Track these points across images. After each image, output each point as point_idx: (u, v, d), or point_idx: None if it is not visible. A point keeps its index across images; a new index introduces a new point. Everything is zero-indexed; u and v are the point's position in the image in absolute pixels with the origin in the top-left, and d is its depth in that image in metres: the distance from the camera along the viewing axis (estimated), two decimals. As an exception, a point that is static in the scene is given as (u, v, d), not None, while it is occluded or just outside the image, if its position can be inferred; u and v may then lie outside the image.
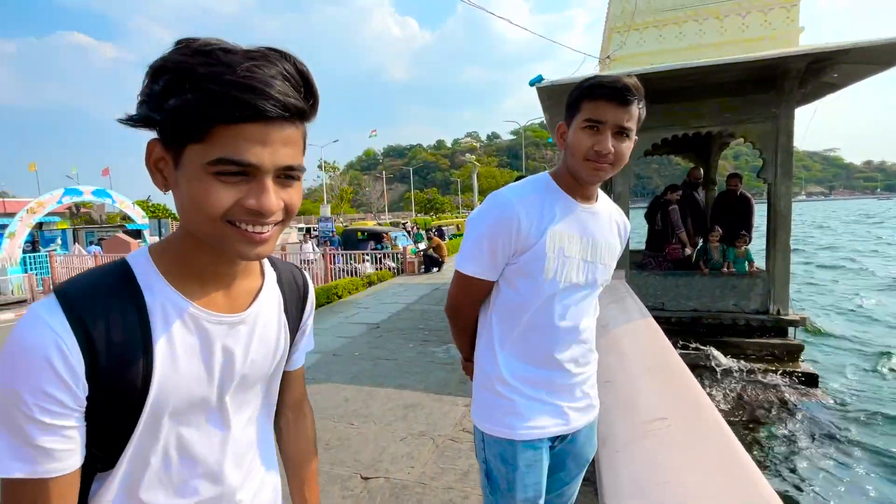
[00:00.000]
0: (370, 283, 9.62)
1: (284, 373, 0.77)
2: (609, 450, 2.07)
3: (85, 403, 0.52)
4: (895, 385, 6.21)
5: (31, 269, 15.87)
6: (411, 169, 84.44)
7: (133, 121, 0.53)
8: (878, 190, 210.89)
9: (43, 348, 0.50)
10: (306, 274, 0.81)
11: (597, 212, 1.14)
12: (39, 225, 18.26)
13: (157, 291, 0.57)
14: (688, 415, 1.98)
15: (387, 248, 13.92)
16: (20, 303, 14.29)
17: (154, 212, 32.35)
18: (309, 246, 13.00)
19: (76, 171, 29.47)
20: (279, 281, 0.72)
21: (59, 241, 20.18)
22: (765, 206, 5.92)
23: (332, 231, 21.41)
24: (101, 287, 0.55)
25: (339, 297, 8.02)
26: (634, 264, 6.45)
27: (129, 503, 0.58)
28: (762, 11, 6.04)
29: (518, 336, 1.14)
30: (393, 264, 11.73)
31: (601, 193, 1.19)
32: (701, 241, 6.54)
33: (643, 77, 5.27)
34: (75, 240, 20.38)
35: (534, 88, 5.35)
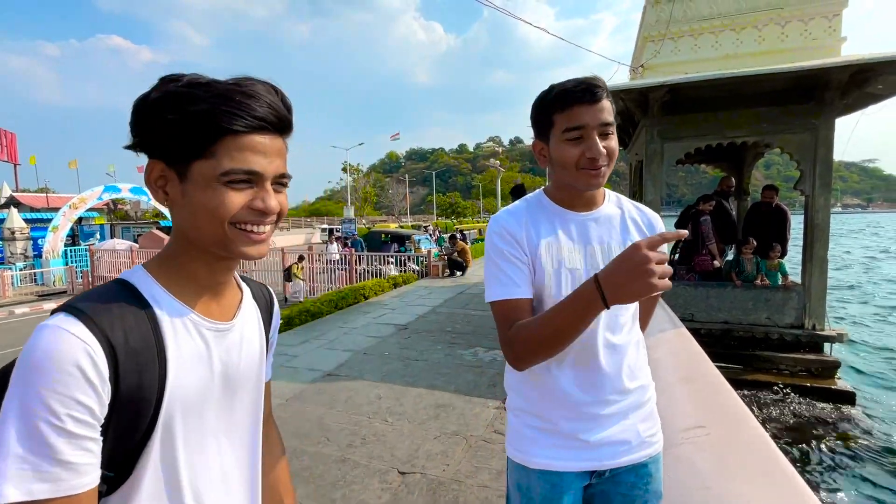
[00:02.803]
0: (395, 285, 9.76)
1: None
2: (646, 456, 2.11)
3: (106, 413, 0.53)
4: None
5: (72, 262, 16.64)
6: (433, 172, 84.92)
7: (138, 147, 0.61)
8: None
9: (73, 356, 0.51)
10: (272, 291, 0.85)
11: (604, 215, 1.05)
12: (79, 220, 19.15)
13: (162, 302, 0.60)
14: (727, 424, 2.00)
15: (410, 250, 14.08)
16: (62, 293, 15.03)
17: (185, 209, 33.44)
18: (335, 247, 13.26)
19: (114, 169, 30.75)
20: (253, 296, 0.77)
21: (97, 235, 21.08)
22: (800, 218, 5.80)
23: (355, 233, 21.74)
24: (111, 300, 0.57)
25: (367, 298, 8.17)
26: (663, 274, 6.39)
27: None
28: (802, 21, 5.94)
29: None
30: (416, 267, 11.85)
31: (610, 193, 1.10)
32: (731, 252, 6.44)
33: (679, 86, 5.25)
34: (112, 234, 21.26)
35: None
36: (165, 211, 22.24)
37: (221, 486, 0.66)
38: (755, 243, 5.80)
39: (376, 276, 10.79)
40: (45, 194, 24.21)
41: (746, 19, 5.95)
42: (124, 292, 0.59)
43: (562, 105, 0.95)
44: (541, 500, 1.02)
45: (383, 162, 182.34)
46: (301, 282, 11.23)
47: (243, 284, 0.76)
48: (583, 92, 0.93)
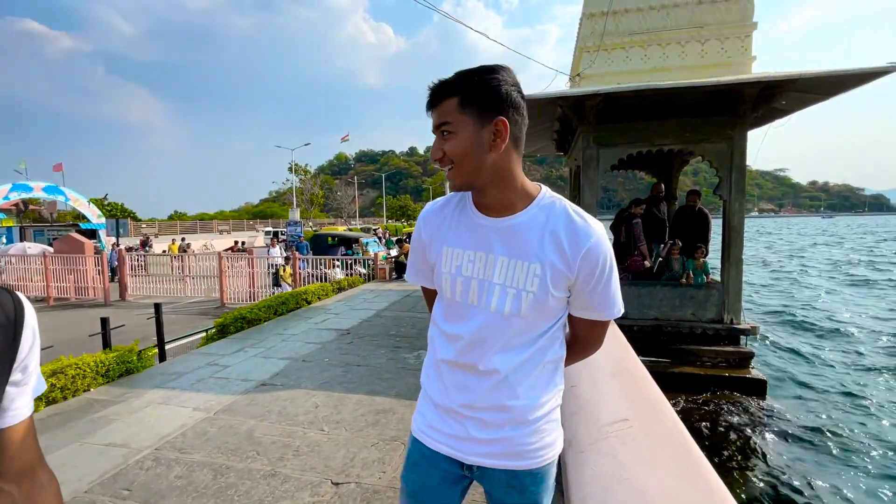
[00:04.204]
0: (340, 289, 9.51)
1: None
2: (574, 450, 2.17)
3: None
4: (834, 379, 6.68)
5: (-29, 269, 14.75)
6: (383, 175, 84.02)
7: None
8: (822, 209, 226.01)
9: None
10: (21, 296, 0.63)
11: (518, 223, 0.97)
12: (-19, 222, 17.07)
13: None
14: (648, 417, 2.10)
15: (357, 253, 13.81)
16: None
17: (111, 211, 30.75)
18: (277, 250, 12.73)
19: (25, 165, 27.71)
20: None
21: (2, 238, 18.91)
22: (720, 221, 6.29)
23: (301, 235, 21.01)
24: None
25: (309, 303, 7.90)
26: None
27: None
28: (719, 40, 6.46)
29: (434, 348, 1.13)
30: (363, 270, 11.63)
31: (546, 198, 0.99)
32: (662, 252, 6.86)
33: (611, 95, 5.53)
34: (23, 238, 19.14)
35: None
36: (88, 213, 20.26)
37: None
38: (681, 244, 6.22)
39: (321, 281, 10.48)
40: (-63, 193, 21.31)
41: (671, 35, 6.39)
42: None
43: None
44: (411, 463, 1.14)
45: (332, 164, 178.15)
46: (288, 286, 10.76)
47: None
48: (427, 100, 0.97)
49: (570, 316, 1.07)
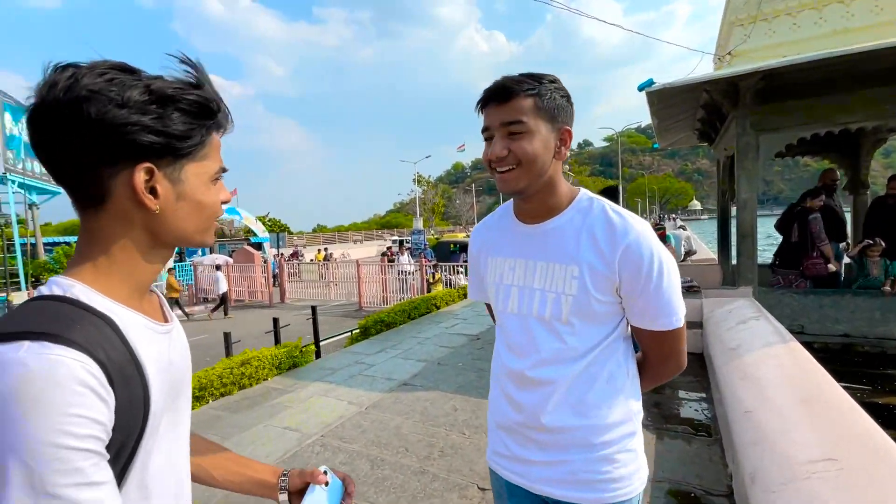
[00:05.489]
0: (466, 295, 9.76)
1: None
2: (759, 488, 1.86)
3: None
4: None
5: (179, 276, 18.70)
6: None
7: (155, 151, 0.56)
8: None
9: (75, 374, 0.46)
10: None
11: (556, 227, 0.96)
12: (185, 238, 21.55)
13: (116, 312, 0.56)
14: (864, 457, 1.70)
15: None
16: (171, 300, 16.97)
17: (271, 226, 36.37)
18: (405, 258, 13.61)
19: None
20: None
21: (199, 252, 23.56)
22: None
23: (425, 243, 22.17)
24: (71, 318, 0.51)
25: (438, 308, 8.25)
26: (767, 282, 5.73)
27: None
28: (931, -17, 5.08)
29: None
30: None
31: (583, 199, 0.98)
32: (849, 252, 5.62)
33: (776, 71, 4.73)
34: (211, 250, 23.64)
35: (628, 92, 5.08)
36: (255, 228, 24.35)
37: (177, 488, 0.64)
38: (883, 244, 5.01)
39: (447, 286, 10.89)
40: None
41: (859, -12, 5.22)
42: (76, 309, 0.52)
43: (480, 109, 0.94)
44: (495, 497, 1.12)
45: (449, 173, 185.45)
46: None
47: None
48: (491, 93, 0.91)
49: (633, 329, 0.99)
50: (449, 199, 64.36)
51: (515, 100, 0.88)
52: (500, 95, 0.89)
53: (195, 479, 0.75)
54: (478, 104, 0.94)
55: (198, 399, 4.01)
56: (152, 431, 0.57)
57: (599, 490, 0.95)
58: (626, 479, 0.97)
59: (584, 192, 1.00)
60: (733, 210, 5.81)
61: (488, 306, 1.20)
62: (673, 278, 0.92)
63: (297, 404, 3.87)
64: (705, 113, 6.59)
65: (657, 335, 0.95)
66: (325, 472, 0.81)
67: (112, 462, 0.50)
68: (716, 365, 3.45)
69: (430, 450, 2.93)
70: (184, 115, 0.57)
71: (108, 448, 0.49)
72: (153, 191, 0.57)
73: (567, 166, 29.93)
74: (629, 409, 0.98)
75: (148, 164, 0.55)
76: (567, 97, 0.93)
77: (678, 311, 0.93)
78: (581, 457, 0.95)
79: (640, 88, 5.16)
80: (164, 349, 0.61)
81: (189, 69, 0.59)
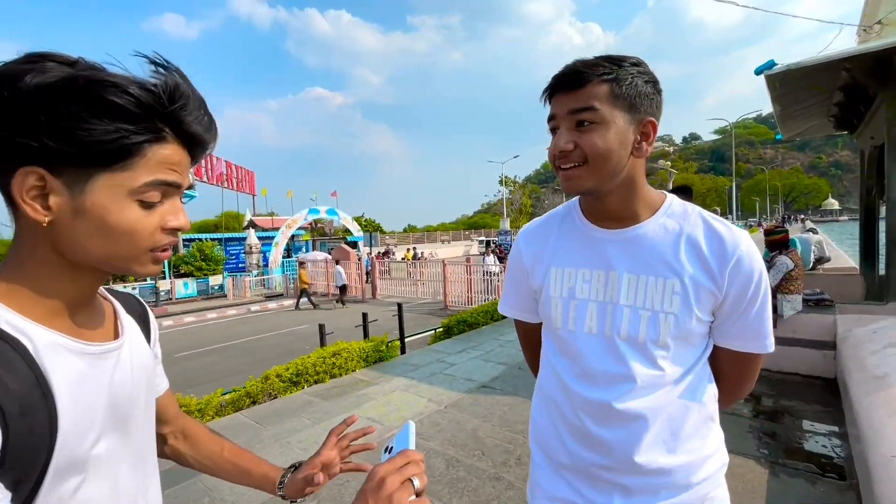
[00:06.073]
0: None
1: (157, 400, 0.73)
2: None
3: None
4: None
5: (286, 271, 20.75)
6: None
7: (56, 156, 0.47)
8: None
9: None
10: (142, 300, 0.76)
11: (642, 234, 0.83)
12: (292, 237, 23.86)
13: (30, 332, 0.49)
14: None
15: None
16: (279, 296, 18.87)
17: (366, 226, 38.75)
18: (491, 259, 13.57)
19: (316, 194, 37.53)
20: (126, 309, 0.68)
21: (303, 249, 25.89)
22: None
23: (511, 244, 21.92)
24: None
25: (521, 310, 8.09)
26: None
27: None
28: None
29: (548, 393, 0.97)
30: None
31: (674, 204, 0.85)
32: None
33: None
34: (313, 248, 25.85)
35: (743, 77, 4.46)
36: (352, 228, 26.18)
37: None
38: None
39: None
40: (271, 218, 30.87)
41: None
42: None
43: (548, 96, 0.82)
44: None
45: (538, 173, 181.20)
46: None
47: (111, 297, 0.67)
48: (561, 78, 0.78)
49: (716, 349, 0.88)
50: (537, 198, 62.92)
51: (590, 86, 0.75)
52: (570, 82, 0.77)
53: (212, 474, 0.82)
54: (544, 92, 0.81)
55: (294, 384, 4.38)
56: (74, 459, 0.50)
57: None
58: None
59: (674, 198, 0.87)
60: (882, 210, 4.86)
61: (520, 325, 1.07)
62: (769, 296, 0.84)
63: (381, 397, 4.05)
64: (844, 96, 5.62)
65: (744, 357, 0.86)
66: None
67: (14, 494, 0.46)
68: (854, 395, 2.91)
69: (506, 456, 2.87)
70: (103, 117, 0.47)
71: (2, 479, 0.44)
72: (46, 200, 0.48)
73: (669, 162, 27.50)
74: (720, 437, 0.90)
75: (34, 169, 0.47)
76: (653, 83, 0.79)
77: (772, 334, 0.84)
78: (674, 500, 0.84)
79: (758, 72, 4.54)
80: (98, 370, 0.55)
81: (160, 71, 0.51)
